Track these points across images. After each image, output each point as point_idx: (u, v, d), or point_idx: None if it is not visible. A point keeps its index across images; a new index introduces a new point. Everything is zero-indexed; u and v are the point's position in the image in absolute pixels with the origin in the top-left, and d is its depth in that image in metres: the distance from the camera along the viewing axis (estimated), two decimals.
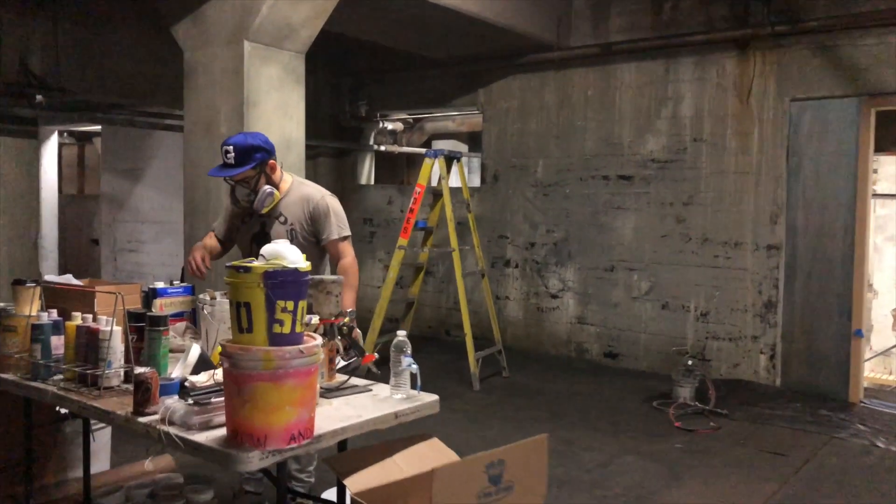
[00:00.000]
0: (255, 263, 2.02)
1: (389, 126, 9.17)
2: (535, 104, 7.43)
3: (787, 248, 6.14)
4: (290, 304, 1.99)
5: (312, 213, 3.27)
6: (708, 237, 6.49)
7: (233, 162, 3.07)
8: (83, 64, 6.61)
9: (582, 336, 7.24)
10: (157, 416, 2.20)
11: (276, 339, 1.98)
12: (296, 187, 3.33)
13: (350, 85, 8.80)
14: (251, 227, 3.32)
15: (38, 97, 6.42)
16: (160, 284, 3.32)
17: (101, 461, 3.76)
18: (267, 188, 3.18)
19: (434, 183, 6.58)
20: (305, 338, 2.09)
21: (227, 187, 4.54)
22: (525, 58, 7.32)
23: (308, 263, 2.06)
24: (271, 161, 3.19)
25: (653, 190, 6.76)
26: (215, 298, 2.97)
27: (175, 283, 3.41)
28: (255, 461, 1.94)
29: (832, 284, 5.96)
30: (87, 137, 13.33)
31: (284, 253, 2.03)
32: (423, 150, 10.13)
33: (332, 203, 3.31)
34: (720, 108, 6.39)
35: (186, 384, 2.48)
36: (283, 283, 1.97)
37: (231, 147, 3.07)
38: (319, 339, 2.09)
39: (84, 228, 12.20)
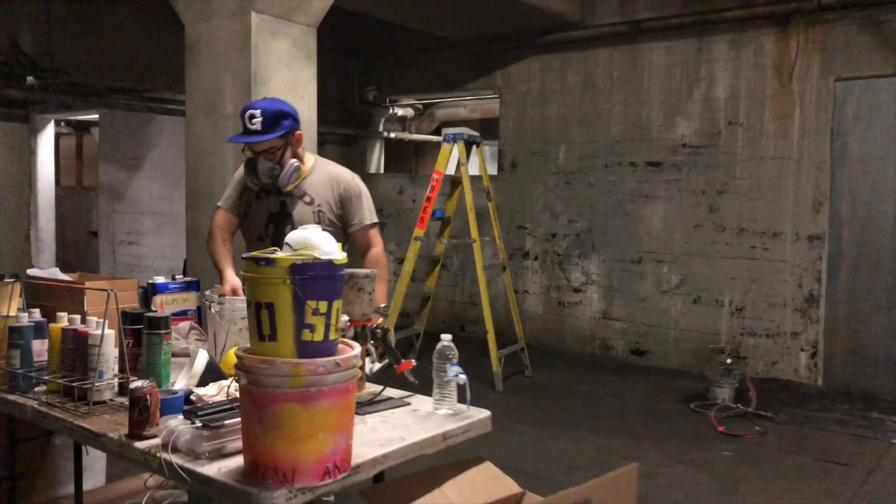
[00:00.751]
0: (280, 254, 1.62)
1: (399, 112, 8.76)
2: (556, 87, 7.02)
3: (830, 238, 5.74)
4: (322, 305, 1.59)
5: (343, 194, 2.87)
6: (744, 227, 6.09)
7: (259, 128, 2.66)
8: (77, 43, 6.20)
9: (607, 332, 6.85)
10: (157, 441, 1.80)
11: (305, 349, 1.59)
12: (321, 165, 2.93)
13: (359, 68, 8.38)
14: (268, 206, 2.88)
15: (30, 79, 6.02)
16: (160, 279, 2.92)
17: (95, 475, 3.38)
18: (294, 162, 2.77)
19: (451, 170, 6.16)
20: (340, 346, 1.70)
21: (237, 168, 4.11)
22: (546, 37, 6.91)
23: (345, 255, 1.66)
24: (298, 132, 2.79)
25: (684, 177, 6.35)
26: (224, 296, 2.58)
27: (177, 277, 3.02)
28: (280, 502, 1.55)
29: (880, 277, 5.56)
30: (85, 127, 12.92)
31: (316, 241, 1.63)
32: (435, 138, 9.73)
33: (363, 186, 2.92)
34: (758, 89, 5.98)
35: (192, 398, 2.09)
36: (315, 278, 1.58)
37: (258, 111, 2.65)
38: (357, 348, 1.69)
39: (82, 221, 11.82)
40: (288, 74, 4.49)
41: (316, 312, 1.59)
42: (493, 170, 7.79)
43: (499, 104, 7.52)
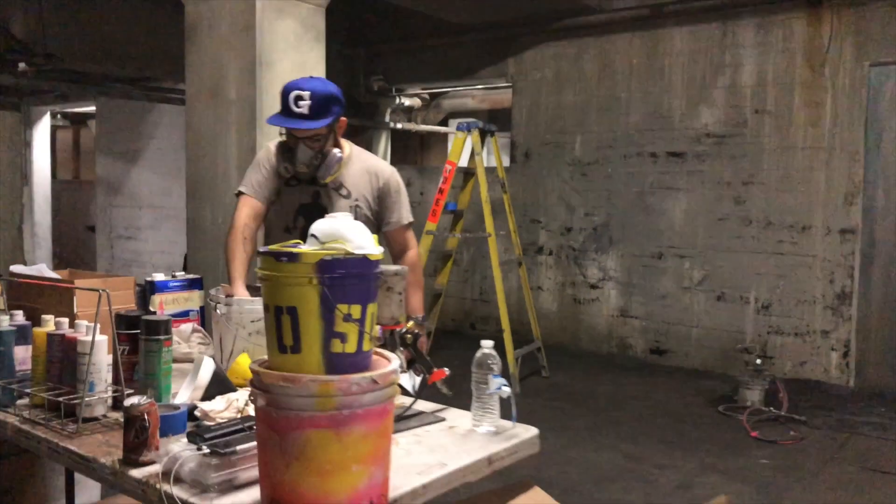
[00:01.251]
0: (305, 248, 1.34)
1: (406, 102, 8.46)
2: (572, 74, 6.73)
3: (863, 232, 5.46)
4: (355, 310, 1.32)
5: (382, 189, 2.57)
6: (771, 220, 5.81)
7: (306, 112, 2.33)
8: (71, 29, 5.91)
9: (625, 330, 6.57)
10: (157, 468, 1.53)
11: (336, 363, 1.31)
12: (357, 155, 2.62)
13: (365, 56, 8.08)
14: (299, 195, 2.56)
15: (22, 65, 5.73)
16: (160, 276, 2.65)
17: (89, 490, 3.10)
18: (336, 152, 2.46)
19: (464, 161, 5.87)
20: (374, 358, 1.42)
21: (241, 156, 3.83)
22: (561, 22, 6.62)
23: (381, 250, 1.38)
24: (343, 119, 2.49)
25: (707, 168, 6.07)
26: (232, 296, 2.30)
27: (178, 274, 2.74)
28: None
29: None
30: (82, 120, 12.65)
31: (347, 232, 1.35)
32: (443, 129, 9.46)
33: (401, 181, 2.64)
34: (786, 76, 5.69)
35: (196, 413, 1.82)
36: (346, 277, 1.30)
37: (307, 93, 2.33)
38: (395, 360, 1.42)
39: (80, 215, 11.57)
40: (296, 57, 4.22)
41: (348, 318, 1.31)
42: (505, 161, 7.51)
43: (511, 93, 7.23)
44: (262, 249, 1.35)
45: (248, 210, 2.55)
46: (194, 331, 2.63)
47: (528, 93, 7.03)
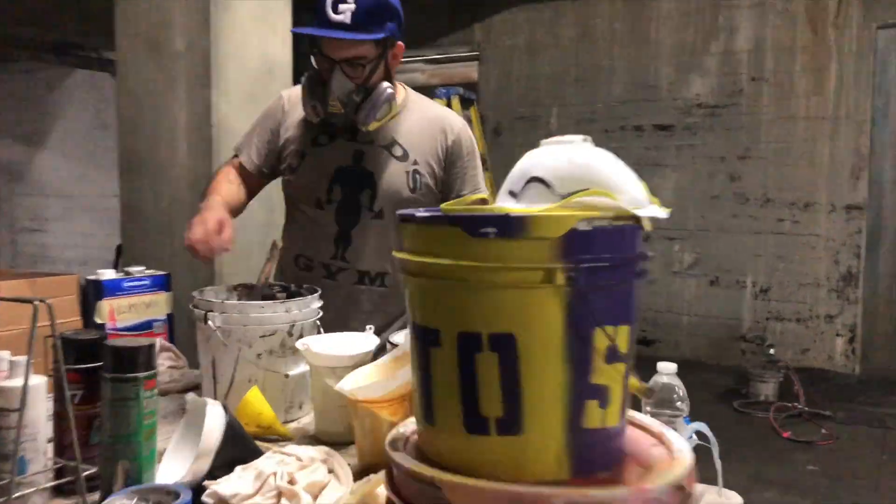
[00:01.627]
0: (536, 209, 0.64)
1: None
2: (547, 40, 6.11)
3: (871, 208, 5.07)
4: (622, 336, 0.63)
5: (451, 149, 1.78)
6: (770, 197, 5.37)
7: (348, 21, 1.57)
8: None
9: None
10: None
11: (591, 450, 0.62)
12: (416, 101, 1.82)
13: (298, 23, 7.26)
14: (333, 156, 1.77)
15: None
16: (109, 273, 1.86)
17: None
18: (386, 86, 1.67)
19: None
20: (629, 431, 0.74)
21: (190, 121, 3.03)
22: None
23: (665, 211, 0.69)
24: (400, 43, 1.70)
25: (699, 142, 5.58)
26: (240, 298, 1.55)
27: (133, 270, 1.96)
28: None
29: None
30: None
31: (606, 174, 0.65)
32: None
33: (474, 138, 1.85)
34: (786, 40, 5.24)
35: (206, 500, 1.09)
36: (615, 269, 0.61)
37: None
38: (675, 436, 0.73)
39: None
40: (257, 1, 3.43)
41: (614, 355, 0.62)
42: None
43: (468, 66, 6.57)
44: (424, 213, 0.64)
45: (236, 169, 1.80)
46: (163, 349, 1.87)
47: (497, 62, 6.38)
